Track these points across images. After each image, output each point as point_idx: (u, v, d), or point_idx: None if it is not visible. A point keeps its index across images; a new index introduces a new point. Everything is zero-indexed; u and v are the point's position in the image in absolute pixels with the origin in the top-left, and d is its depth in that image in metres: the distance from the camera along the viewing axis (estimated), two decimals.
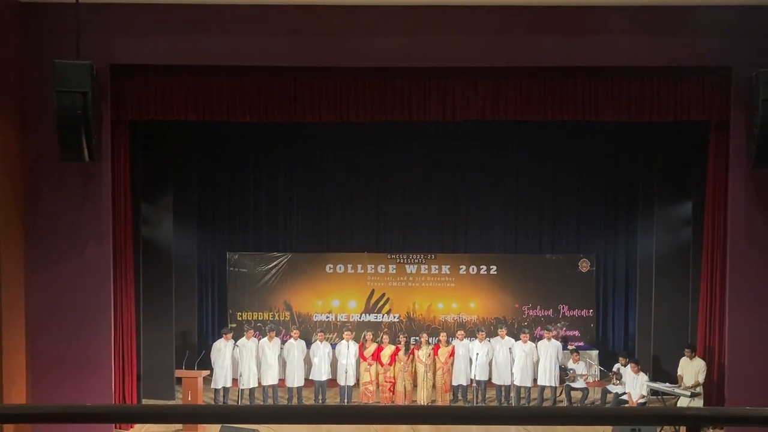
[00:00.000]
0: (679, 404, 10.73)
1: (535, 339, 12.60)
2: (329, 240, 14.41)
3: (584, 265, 13.90)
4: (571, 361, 12.25)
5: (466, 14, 9.39)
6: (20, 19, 9.17)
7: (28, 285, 9.39)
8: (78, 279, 9.44)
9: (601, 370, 12.69)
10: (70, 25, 8.58)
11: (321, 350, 12.09)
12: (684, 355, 10.78)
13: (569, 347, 12.88)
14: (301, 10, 9.39)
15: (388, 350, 11.91)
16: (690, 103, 9.80)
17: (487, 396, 12.12)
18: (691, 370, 10.59)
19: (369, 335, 12.14)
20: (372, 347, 12.00)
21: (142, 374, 10.77)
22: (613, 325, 14.51)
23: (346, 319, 13.82)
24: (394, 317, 13.88)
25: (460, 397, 12.24)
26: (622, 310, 14.41)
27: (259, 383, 11.77)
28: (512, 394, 12.02)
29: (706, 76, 9.73)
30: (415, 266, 13.90)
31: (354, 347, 11.93)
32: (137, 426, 9.73)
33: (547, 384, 11.98)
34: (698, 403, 10.40)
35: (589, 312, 13.93)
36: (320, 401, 11.81)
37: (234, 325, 13.43)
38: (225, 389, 11.67)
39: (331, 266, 13.95)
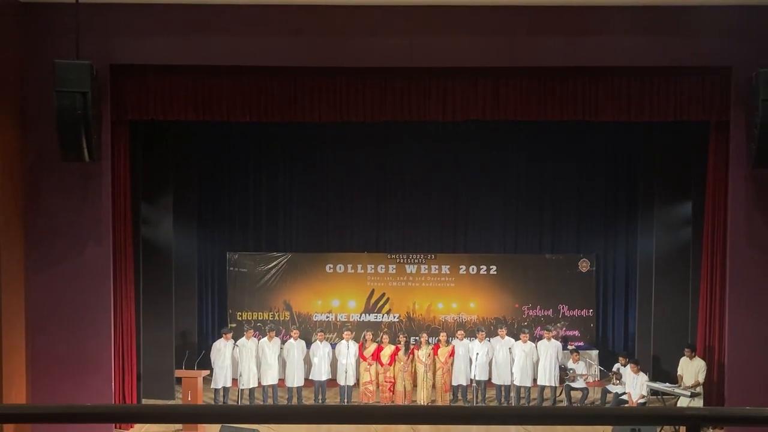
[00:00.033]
0: (679, 404, 10.73)
1: (535, 339, 12.60)
2: (329, 240, 14.41)
3: (584, 265, 13.90)
4: (571, 361, 12.26)
5: (467, 14, 9.39)
6: (20, 19, 9.17)
7: (28, 285, 9.39)
8: (78, 279, 9.44)
9: (601, 370, 12.69)
10: (70, 25, 8.58)
11: (321, 350, 12.09)
12: (684, 355, 10.79)
13: (569, 347, 12.88)
14: (301, 9, 9.39)
15: (387, 350, 11.91)
16: (690, 103, 9.80)
17: (486, 396, 12.12)
18: (691, 369, 10.59)
19: (369, 335, 12.14)
20: (372, 347, 12.00)
21: (142, 374, 10.77)
22: (613, 325, 14.51)
23: (346, 319, 13.82)
24: (394, 317, 13.88)
25: (460, 397, 12.24)
26: (622, 310, 14.41)
27: (259, 383, 11.77)
28: (512, 394, 12.02)
29: (706, 76, 9.73)
30: (415, 266, 13.90)
31: (354, 347, 11.93)
32: (137, 426, 9.73)
33: (547, 384, 11.99)
34: (698, 403, 10.40)
35: (589, 312, 13.94)
36: (320, 401, 11.81)
37: (234, 325, 13.43)
38: (225, 389, 11.67)
39: (331, 266, 13.95)
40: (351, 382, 11.82)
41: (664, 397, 11.00)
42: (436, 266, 13.91)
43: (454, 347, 12.04)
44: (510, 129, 13.09)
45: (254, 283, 13.86)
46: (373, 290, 13.92)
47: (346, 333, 12.17)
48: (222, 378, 11.58)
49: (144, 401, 10.89)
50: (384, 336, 12.33)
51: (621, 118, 10.05)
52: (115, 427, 9.18)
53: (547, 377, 11.94)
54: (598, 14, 9.45)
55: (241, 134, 13.50)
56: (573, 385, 11.93)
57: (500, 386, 12.04)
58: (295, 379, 11.90)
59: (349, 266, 13.92)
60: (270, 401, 11.69)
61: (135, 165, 10.44)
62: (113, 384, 9.69)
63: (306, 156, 14.14)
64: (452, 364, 12.00)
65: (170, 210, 12.07)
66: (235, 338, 11.89)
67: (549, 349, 11.97)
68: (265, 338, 11.98)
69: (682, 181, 11.90)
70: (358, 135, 13.13)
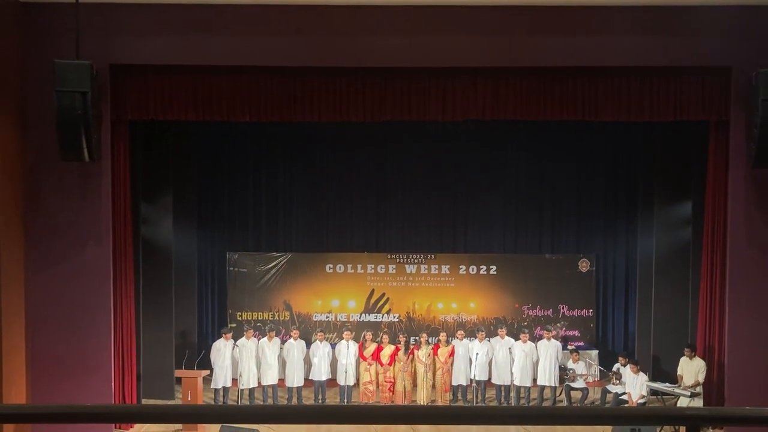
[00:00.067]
0: (678, 404, 10.73)
1: (534, 339, 12.60)
2: (329, 240, 14.41)
3: (584, 265, 13.90)
4: (570, 360, 12.26)
5: (467, 14, 9.39)
6: (20, 19, 9.17)
7: (28, 285, 9.39)
8: (78, 279, 9.45)
9: (600, 370, 12.69)
10: (70, 25, 8.58)
11: (321, 350, 12.09)
12: (684, 355, 10.78)
13: (569, 347, 12.88)
14: (301, 9, 9.38)
15: (387, 350, 11.91)
16: (690, 103, 9.80)
17: (486, 396, 12.12)
18: (691, 369, 10.59)
19: (369, 335, 12.14)
20: (372, 347, 12.00)
21: (142, 374, 10.77)
22: (613, 325, 14.51)
23: (345, 319, 13.82)
24: (394, 317, 13.88)
25: (459, 397, 12.24)
26: (621, 310, 14.41)
27: (259, 383, 11.77)
28: (512, 394, 12.02)
29: (706, 76, 9.73)
30: (415, 266, 13.90)
31: (354, 347, 11.93)
32: (137, 426, 9.73)
33: (547, 384, 11.99)
34: (698, 403, 10.40)
35: (588, 312, 13.94)
36: (320, 401, 11.80)
37: (234, 325, 13.43)
38: (225, 389, 11.67)
39: (331, 266, 13.95)
40: (351, 382, 11.82)
41: (663, 397, 11.00)
42: (436, 266, 13.91)
43: (454, 347, 12.04)
44: (510, 129, 13.08)
45: (254, 283, 13.86)
46: (373, 290, 13.92)
47: (346, 333, 12.17)
48: (222, 378, 11.58)
49: (144, 401, 10.89)
50: (384, 336, 12.33)
51: (621, 118, 10.05)
52: (115, 427, 9.18)
53: (547, 377, 11.95)
54: (598, 14, 9.45)
55: (241, 134, 13.50)
56: (573, 385, 11.93)
57: (500, 386, 12.04)
58: (295, 379, 11.90)
59: (349, 266, 13.92)
60: (270, 401, 11.68)
61: (135, 165, 10.43)
62: (113, 384, 9.69)
63: (306, 156, 14.14)
64: (452, 364, 12.00)
65: (170, 210, 12.06)
66: (235, 338, 11.89)
67: (549, 349, 11.97)
68: (265, 338, 11.98)
69: (682, 181, 11.90)
70: (358, 135, 13.13)
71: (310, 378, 12.10)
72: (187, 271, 12.92)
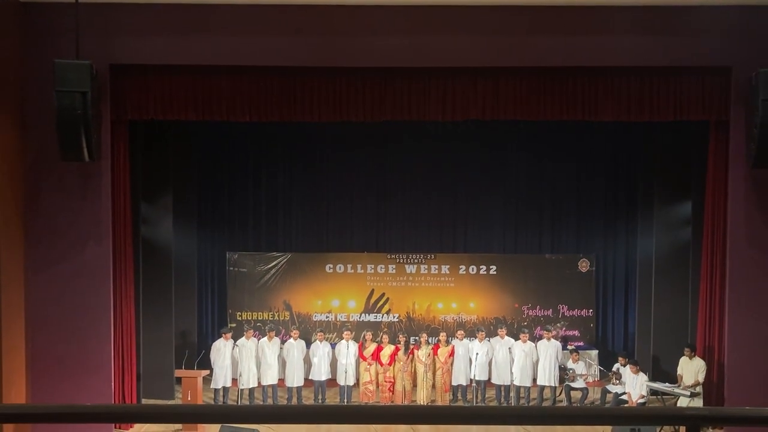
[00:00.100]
0: (678, 404, 10.73)
1: (534, 339, 12.60)
2: (329, 240, 14.41)
3: (584, 265, 13.90)
4: (570, 360, 12.25)
5: (467, 14, 9.39)
6: (20, 19, 9.18)
7: (28, 285, 9.40)
8: (78, 279, 9.45)
9: (600, 369, 12.69)
10: (70, 24, 8.58)
11: (321, 350, 12.09)
12: (684, 355, 10.78)
13: (569, 347, 12.88)
14: (301, 9, 9.39)
15: (387, 350, 11.91)
16: (690, 103, 9.80)
17: (486, 396, 12.12)
18: (691, 369, 10.59)
19: (369, 335, 12.14)
20: (371, 347, 12.00)
21: (141, 374, 10.77)
22: (613, 325, 14.51)
23: (345, 319, 13.82)
24: (394, 317, 13.88)
25: (459, 397, 12.24)
26: (621, 310, 14.41)
27: (259, 383, 11.77)
28: (512, 394, 12.01)
29: (706, 76, 9.73)
30: (415, 266, 13.90)
31: (354, 347, 11.93)
32: (137, 426, 9.73)
33: (547, 384, 11.99)
34: (698, 402, 10.40)
35: (588, 312, 13.94)
36: (320, 401, 11.80)
37: (234, 325, 13.43)
38: (225, 389, 11.67)
39: (331, 266, 13.95)
40: (351, 382, 11.82)
41: (663, 397, 11.00)
42: (436, 266, 13.90)
43: (453, 347, 12.04)
44: (510, 129, 13.08)
45: (254, 283, 13.86)
46: (373, 290, 13.92)
47: (345, 333, 12.17)
48: (222, 378, 11.58)
49: (144, 401, 10.89)
50: (384, 336, 12.32)
51: (621, 118, 10.05)
52: (115, 427, 9.19)
53: (547, 377, 11.94)
54: (598, 14, 9.45)
55: (241, 134, 13.50)
56: (573, 385, 11.93)
57: (500, 386, 12.04)
58: (294, 379, 11.90)
59: (349, 266, 13.92)
60: (270, 401, 11.69)
61: (135, 165, 10.43)
62: (113, 384, 9.69)
63: (306, 156, 14.14)
64: (452, 364, 12.00)
65: (170, 210, 12.06)
66: (235, 338, 11.89)
67: (549, 349, 11.97)
68: (265, 338, 11.98)
69: (682, 181, 11.90)
70: (358, 135, 13.13)
71: (310, 378, 12.10)
72: (187, 271, 12.92)
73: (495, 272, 13.90)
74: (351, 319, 13.78)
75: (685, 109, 9.81)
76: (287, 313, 13.88)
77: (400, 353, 11.84)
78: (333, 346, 12.36)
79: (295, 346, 11.98)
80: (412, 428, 8.62)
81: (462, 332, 12.48)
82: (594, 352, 13.35)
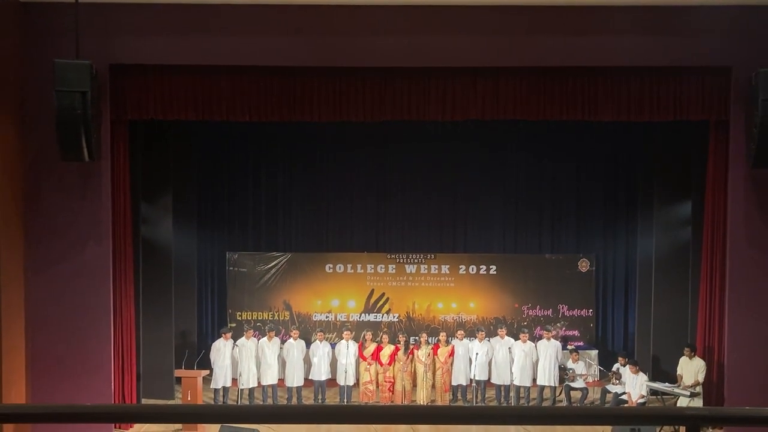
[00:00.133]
0: (678, 404, 10.73)
1: (534, 339, 12.60)
2: (329, 240, 14.41)
3: (584, 265, 13.90)
4: (570, 360, 12.25)
5: (467, 14, 9.40)
6: (20, 19, 9.18)
7: (28, 285, 9.39)
8: (78, 279, 9.45)
9: (600, 369, 12.69)
10: (70, 24, 8.58)
11: (320, 350, 12.09)
12: (683, 355, 10.78)
13: (569, 347, 12.88)
14: (301, 9, 9.39)
15: (387, 350, 11.91)
16: (690, 102, 9.80)
17: (486, 396, 12.12)
18: (691, 369, 10.59)
19: (368, 335, 12.14)
20: (371, 347, 12.00)
21: (141, 374, 10.78)
22: (613, 325, 14.51)
23: (345, 319, 13.82)
24: (394, 317, 13.88)
25: (459, 397, 12.25)
26: (621, 310, 14.41)
27: (259, 383, 11.77)
28: (512, 394, 12.02)
29: (706, 76, 9.73)
30: (415, 266, 13.90)
31: (353, 347, 11.93)
32: (137, 426, 9.73)
33: (547, 384, 11.99)
34: (698, 402, 10.40)
35: (588, 312, 13.94)
36: (320, 401, 11.80)
37: (233, 325, 13.43)
38: (225, 389, 11.67)
39: (331, 266, 13.95)
40: (351, 382, 11.82)
41: (663, 396, 11.00)
42: (436, 266, 13.90)
43: (453, 347, 12.04)
44: (509, 129, 13.08)
45: (254, 283, 13.86)
46: (373, 290, 13.92)
47: (345, 333, 12.17)
48: (222, 378, 11.58)
49: (144, 401, 10.90)
50: (384, 336, 12.32)
51: (621, 118, 10.05)
52: (115, 427, 9.19)
53: (547, 377, 11.95)
54: (598, 14, 9.46)
55: (241, 134, 13.50)
56: (572, 385, 11.93)
57: (500, 386, 12.04)
58: (294, 379, 11.90)
59: (349, 266, 13.92)
60: (270, 401, 11.69)
61: (134, 164, 10.43)
62: (113, 384, 9.69)
63: (306, 156, 14.14)
64: (452, 364, 12.00)
65: (170, 210, 12.06)
66: (235, 338, 11.89)
67: (548, 349, 11.97)
68: (265, 338, 11.98)
69: (682, 181, 11.90)
70: (358, 135, 13.13)
71: (309, 378, 12.10)
72: (186, 271, 12.92)
73: (495, 272, 13.90)
74: (351, 319, 13.78)
75: (685, 109, 9.82)
76: (287, 313, 13.88)
77: (400, 353, 11.84)
78: (333, 346, 12.36)
79: (295, 346, 11.98)
80: (412, 428, 8.62)
81: (462, 332, 12.48)
82: (594, 352, 13.35)
